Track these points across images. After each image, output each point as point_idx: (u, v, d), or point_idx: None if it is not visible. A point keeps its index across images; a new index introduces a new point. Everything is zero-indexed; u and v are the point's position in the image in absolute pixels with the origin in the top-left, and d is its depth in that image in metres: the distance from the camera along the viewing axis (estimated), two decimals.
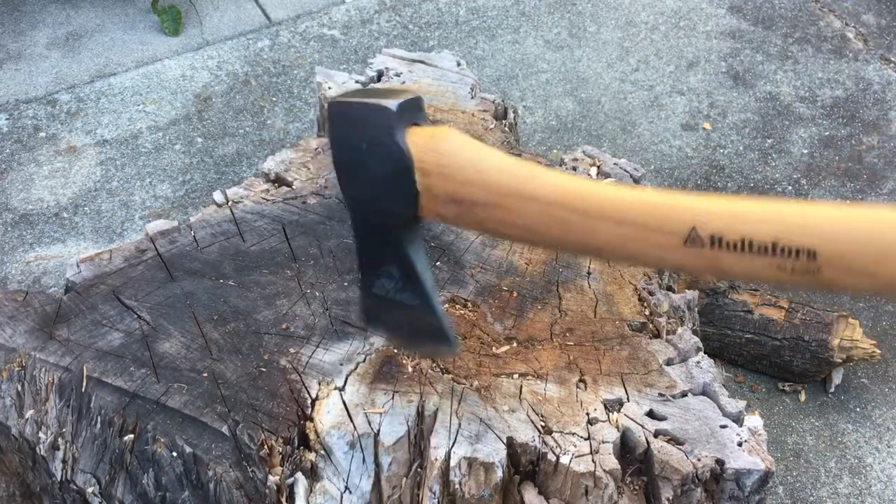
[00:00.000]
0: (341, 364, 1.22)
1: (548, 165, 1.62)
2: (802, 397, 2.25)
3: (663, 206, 0.91)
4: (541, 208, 0.97)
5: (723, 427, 1.15)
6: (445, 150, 1.02)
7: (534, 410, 1.16)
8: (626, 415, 1.16)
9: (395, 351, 1.24)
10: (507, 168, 1.00)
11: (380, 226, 1.11)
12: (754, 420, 1.15)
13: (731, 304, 2.23)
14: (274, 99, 3.07)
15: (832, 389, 2.25)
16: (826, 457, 2.12)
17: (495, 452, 1.09)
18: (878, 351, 2.16)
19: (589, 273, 1.39)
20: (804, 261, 0.83)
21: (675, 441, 1.13)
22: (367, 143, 1.05)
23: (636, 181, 1.59)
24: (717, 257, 0.87)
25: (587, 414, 1.16)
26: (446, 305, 1.32)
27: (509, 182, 0.99)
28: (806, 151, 2.93)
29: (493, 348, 1.26)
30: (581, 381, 1.21)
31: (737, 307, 2.23)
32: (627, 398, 1.19)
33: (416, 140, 1.03)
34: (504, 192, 0.99)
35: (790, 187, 2.79)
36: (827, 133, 2.99)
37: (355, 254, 1.19)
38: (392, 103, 1.02)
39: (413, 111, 1.06)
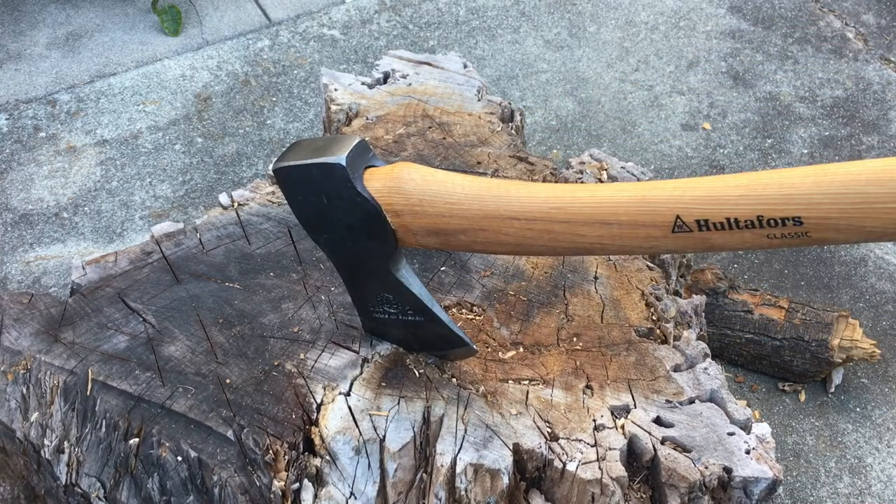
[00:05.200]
0: (347, 369, 1.22)
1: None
2: (802, 397, 2.25)
3: (643, 201, 0.91)
4: (522, 224, 0.97)
5: (730, 434, 1.14)
6: (411, 190, 1.00)
7: (540, 416, 1.16)
8: (633, 421, 1.16)
9: (404, 355, 1.23)
10: (477, 194, 0.98)
11: (362, 263, 1.10)
12: (762, 427, 1.15)
13: (731, 304, 2.23)
14: (274, 99, 3.07)
15: (832, 389, 2.25)
16: (826, 457, 2.12)
17: (501, 459, 1.09)
18: (878, 351, 2.16)
19: (596, 278, 1.39)
20: (791, 226, 0.85)
21: (682, 448, 1.13)
22: (327, 198, 1.04)
23: None
24: (707, 238, 0.89)
25: (594, 420, 1.16)
26: (452, 310, 1.32)
27: (483, 208, 0.98)
28: (806, 151, 2.93)
29: (500, 353, 1.25)
30: (588, 387, 1.21)
31: (737, 307, 2.22)
32: (634, 405, 1.18)
33: (377, 185, 1.02)
34: (481, 217, 0.98)
35: None
36: (827, 133, 3.00)
37: (346, 289, 1.18)
38: (339, 158, 1.00)
39: (362, 156, 1.03)
